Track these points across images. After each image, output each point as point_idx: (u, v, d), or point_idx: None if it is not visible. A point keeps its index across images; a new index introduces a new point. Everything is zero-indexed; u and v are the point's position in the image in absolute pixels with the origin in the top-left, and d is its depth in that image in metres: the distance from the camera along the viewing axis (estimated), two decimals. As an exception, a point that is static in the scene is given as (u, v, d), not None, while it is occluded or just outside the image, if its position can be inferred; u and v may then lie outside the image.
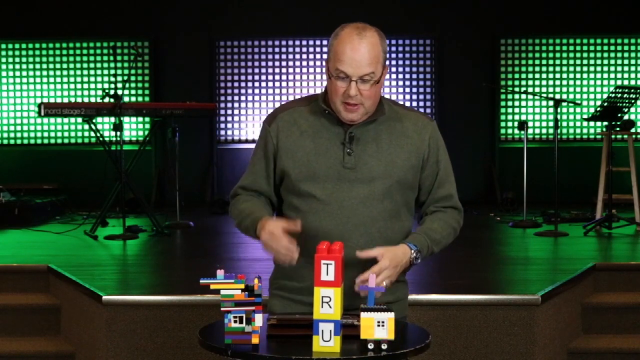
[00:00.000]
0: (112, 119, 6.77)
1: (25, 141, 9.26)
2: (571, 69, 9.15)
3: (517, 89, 9.14)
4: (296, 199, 2.45)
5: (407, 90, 9.24)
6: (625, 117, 6.81)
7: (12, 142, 9.25)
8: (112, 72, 8.32)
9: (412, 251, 2.39)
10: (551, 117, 8.89)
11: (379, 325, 2.07)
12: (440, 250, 2.53)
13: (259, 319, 2.12)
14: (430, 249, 2.47)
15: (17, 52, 9.18)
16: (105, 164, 6.75)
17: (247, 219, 2.44)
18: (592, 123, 9.03)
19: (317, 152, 2.43)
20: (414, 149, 2.48)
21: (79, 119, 8.11)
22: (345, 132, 2.43)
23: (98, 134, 6.80)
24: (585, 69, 9.14)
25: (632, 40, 9.09)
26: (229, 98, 9.29)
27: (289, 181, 2.46)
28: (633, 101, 6.62)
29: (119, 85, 6.79)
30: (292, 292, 2.48)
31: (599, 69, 9.14)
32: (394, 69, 9.21)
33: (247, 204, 2.49)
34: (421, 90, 9.24)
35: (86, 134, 9.15)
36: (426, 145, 2.50)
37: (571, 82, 9.15)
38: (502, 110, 9.19)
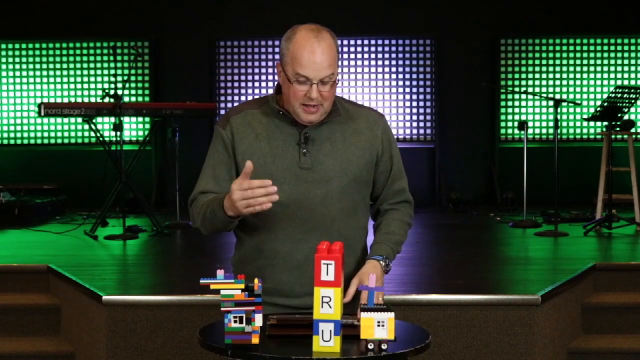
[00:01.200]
0: (112, 119, 6.77)
1: (25, 141, 9.25)
2: (571, 69, 9.15)
3: (517, 89, 9.14)
4: None
5: (407, 90, 9.23)
6: (625, 117, 6.81)
7: (12, 142, 9.25)
8: (112, 72, 8.32)
9: (380, 262, 2.46)
10: (551, 117, 8.89)
11: (379, 325, 2.07)
12: (401, 248, 2.60)
13: (259, 319, 2.12)
14: (395, 251, 2.54)
15: (17, 52, 9.17)
16: (105, 164, 6.75)
17: (211, 204, 2.37)
18: (592, 123, 9.03)
19: (273, 154, 2.43)
20: (368, 145, 2.50)
21: (79, 119, 8.10)
22: (299, 132, 2.44)
23: (98, 134, 6.80)
24: (585, 69, 9.14)
25: (632, 40, 9.09)
26: (229, 98, 9.29)
27: None
28: (633, 101, 6.62)
29: (119, 85, 6.79)
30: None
31: (599, 69, 9.14)
32: (394, 69, 9.21)
33: (206, 199, 2.44)
34: (421, 90, 9.24)
35: (86, 134, 9.15)
36: (379, 141, 2.52)
37: (571, 82, 9.15)
38: (502, 110, 9.19)
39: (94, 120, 6.81)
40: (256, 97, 9.00)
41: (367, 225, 2.59)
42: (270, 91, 9.88)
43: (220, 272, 2.15)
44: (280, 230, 2.42)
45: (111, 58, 8.72)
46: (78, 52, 9.18)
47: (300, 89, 2.36)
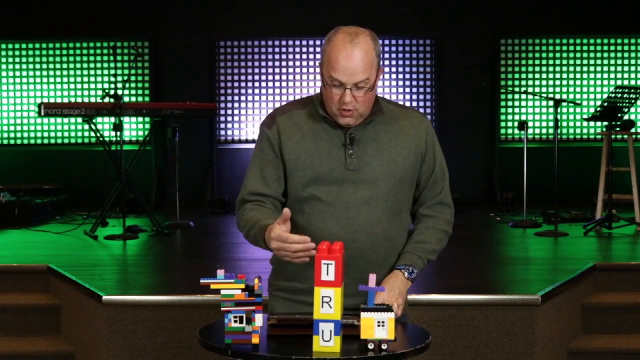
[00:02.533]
0: (112, 119, 6.77)
1: (25, 141, 9.26)
2: (571, 69, 9.15)
3: (517, 89, 9.14)
4: (300, 202, 2.44)
5: (407, 90, 9.24)
6: (625, 117, 6.81)
7: (12, 142, 9.26)
8: (112, 72, 8.33)
9: (402, 271, 2.45)
10: (551, 117, 8.89)
11: (379, 325, 2.07)
12: (436, 256, 2.57)
13: (259, 319, 2.12)
14: (424, 259, 2.51)
15: (17, 52, 9.18)
16: (105, 164, 6.75)
17: (254, 228, 2.39)
18: (592, 123, 9.03)
19: (320, 154, 2.42)
20: (413, 145, 2.48)
21: (79, 119, 8.11)
22: (345, 133, 2.43)
23: (98, 134, 6.80)
24: (585, 69, 9.14)
25: (632, 40, 9.09)
26: (229, 98, 9.29)
27: (292, 184, 2.45)
28: (633, 101, 6.62)
29: (119, 85, 6.79)
30: (295, 293, 2.47)
31: (599, 69, 9.14)
32: (394, 69, 9.22)
33: (253, 212, 2.43)
34: (421, 90, 9.24)
35: (86, 134, 9.15)
36: (423, 141, 2.51)
37: (571, 82, 9.15)
38: (502, 110, 9.19)
39: (94, 120, 6.81)
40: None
41: (410, 225, 2.57)
42: (271, 91, 9.91)
43: (220, 272, 2.14)
44: (327, 230, 2.40)
45: (111, 58, 8.72)
46: (78, 52, 9.18)
47: (335, 93, 2.35)
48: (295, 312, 2.40)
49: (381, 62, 2.45)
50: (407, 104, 9.22)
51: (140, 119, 8.89)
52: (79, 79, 9.18)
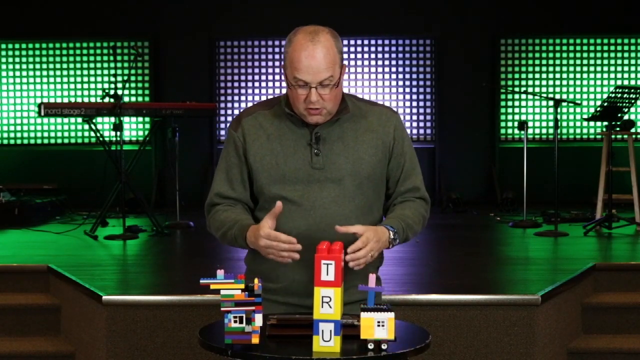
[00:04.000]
0: (112, 119, 6.77)
1: (25, 141, 9.26)
2: (571, 69, 9.15)
3: (517, 89, 9.14)
4: (267, 202, 2.45)
5: (407, 90, 9.23)
6: (625, 117, 6.81)
7: (12, 142, 9.25)
8: (112, 72, 8.33)
9: (390, 232, 2.40)
10: (551, 117, 8.89)
11: (379, 325, 2.07)
12: (412, 236, 2.52)
13: (259, 319, 2.12)
14: (405, 232, 2.46)
15: (17, 52, 9.17)
16: (105, 164, 6.76)
17: (233, 228, 2.42)
18: (592, 123, 9.03)
19: (285, 155, 2.44)
20: (380, 142, 2.49)
21: (79, 119, 8.11)
22: (310, 132, 2.45)
23: (98, 134, 6.80)
24: (585, 69, 9.14)
25: (632, 40, 9.09)
26: (229, 98, 9.29)
27: (258, 185, 2.47)
28: (633, 101, 6.62)
29: (119, 85, 6.79)
30: (267, 293, 2.46)
31: (599, 69, 9.14)
32: (394, 69, 9.21)
33: (227, 213, 2.47)
34: (421, 90, 9.24)
35: (86, 134, 9.15)
36: (391, 137, 2.51)
37: (571, 82, 9.15)
38: (502, 110, 9.19)
39: (94, 120, 6.81)
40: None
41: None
42: (271, 91, 9.91)
43: (220, 272, 2.15)
44: (294, 229, 2.41)
45: (111, 58, 8.72)
46: (78, 52, 9.18)
47: (300, 93, 2.37)
48: (268, 311, 2.40)
49: (344, 60, 2.46)
50: (407, 104, 9.23)
51: (140, 119, 8.89)
52: (79, 79, 9.18)
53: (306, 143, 2.45)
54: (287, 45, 2.38)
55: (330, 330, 2.05)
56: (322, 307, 2.06)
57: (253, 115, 2.51)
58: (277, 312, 2.39)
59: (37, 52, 9.18)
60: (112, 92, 6.62)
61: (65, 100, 9.08)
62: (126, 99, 8.32)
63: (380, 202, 2.57)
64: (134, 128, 9.11)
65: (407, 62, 9.22)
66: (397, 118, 2.55)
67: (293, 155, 2.44)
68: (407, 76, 9.23)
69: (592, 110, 8.17)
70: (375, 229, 2.36)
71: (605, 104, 6.77)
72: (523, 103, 9.16)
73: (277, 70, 9.23)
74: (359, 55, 9.19)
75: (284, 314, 2.37)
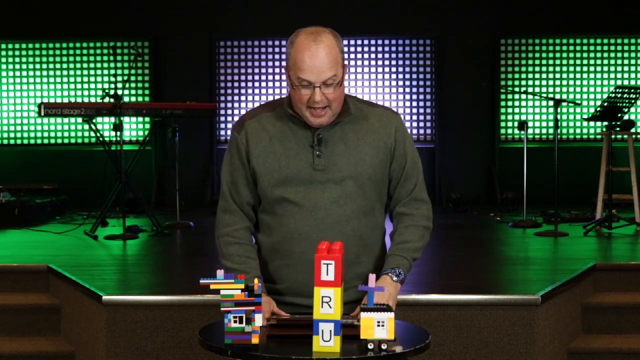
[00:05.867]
0: (112, 119, 6.77)
1: (25, 141, 9.25)
2: (571, 69, 9.15)
3: (517, 89, 9.14)
4: (270, 203, 2.48)
5: (407, 90, 9.23)
6: (625, 117, 6.81)
7: (12, 142, 9.25)
8: (112, 72, 8.33)
9: (390, 275, 2.45)
10: (551, 117, 8.89)
11: (379, 325, 2.07)
12: (420, 254, 2.57)
13: (259, 319, 2.12)
14: (410, 259, 2.51)
15: (17, 52, 9.18)
16: (105, 164, 6.75)
17: (242, 273, 2.43)
18: (592, 123, 9.03)
19: (287, 156, 2.46)
20: (382, 144, 2.51)
21: (79, 119, 8.11)
22: (312, 134, 2.46)
23: (98, 134, 6.80)
24: (585, 69, 9.14)
25: (632, 40, 9.09)
26: (229, 98, 9.29)
27: (261, 186, 2.49)
28: (633, 101, 6.62)
29: (119, 85, 6.79)
30: (271, 294, 2.49)
31: (599, 69, 9.14)
32: (394, 69, 9.21)
33: (240, 251, 2.50)
34: (421, 90, 9.24)
35: (86, 134, 9.15)
36: (392, 139, 2.52)
37: (571, 82, 9.15)
38: (502, 110, 9.19)
39: (94, 120, 6.81)
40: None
41: (384, 223, 2.60)
42: (271, 91, 9.91)
43: (220, 272, 2.15)
44: (296, 230, 2.44)
45: (111, 58, 8.72)
46: (78, 52, 9.18)
47: (304, 93, 2.38)
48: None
49: (346, 60, 2.49)
50: (407, 104, 9.23)
51: (140, 119, 8.89)
52: (79, 79, 9.18)
53: (308, 145, 2.46)
54: (290, 46, 2.39)
55: (330, 330, 2.05)
56: (322, 307, 2.06)
57: (256, 118, 2.52)
58: (289, 313, 2.40)
59: (37, 52, 9.18)
60: (112, 92, 6.62)
61: (65, 100, 9.08)
62: (126, 99, 8.32)
63: (382, 203, 2.58)
64: (134, 128, 9.10)
65: (407, 62, 9.22)
66: (398, 119, 2.56)
67: (295, 157, 2.45)
68: (407, 76, 9.23)
69: (592, 110, 8.17)
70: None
71: (605, 104, 6.77)
72: (523, 103, 9.17)
73: (277, 70, 9.23)
74: (359, 55, 9.19)
75: (290, 313, 2.38)
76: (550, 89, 9.12)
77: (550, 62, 9.14)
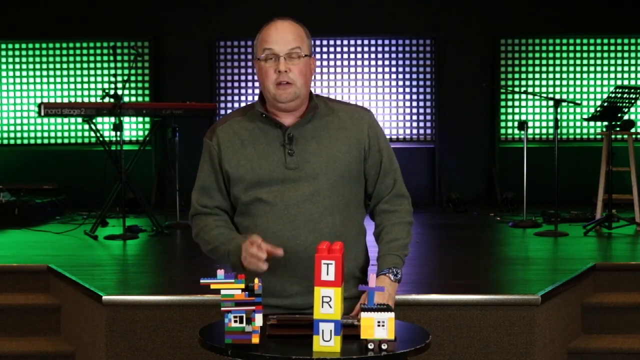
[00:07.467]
0: (112, 119, 6.77)
1: (25, 141, 9.25)
2: (571, 69, 9.15)
3: (517, 89, 9.14)
4: (245, 205, 2.49)
5: (407, 90, 9.23)
6: (625, 117, 6.81)
7: (12, 142, 9.25)
8: (112, 72, 8.33)
9: (388, 275, 2.48)
10: (551, 117, 8.89)
11: (379, 325, 2.07)
12: (408, 250, 2.59)
13: (259, 319, 2.12)
14: (402, 256, 2.53)
15: (17, 52, 9.17)
16: (105, 164, 6.75)
17: (227, 246, 2.45)
18: (592, 123, 9.03)
19: (259, 158, 2.47)
20: (354, 140, 2.51)
21: (79, 119, 8.10)
22: (283, 133, 2.47)
23: (98, 134, 6.80)
24: (585, 69, 9.14)
25: (632, 40, 9.09)
26: (229, 98, 9.29)
27: (236, 190, 2.50)
28: (633, 101, 6.62)
29: (119, 85, 6.79)
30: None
31: (599, 69, 9.14)
32: (394, 69, 9.21)
33: (220, 229, 2.51)
34: (421, 90, 9.24)
35: (86, 134, 9.15)
36: (365, 136, 2.53)
37: (571, 82, 9.15)
38: (502, 110, 9.19)
39: (94, 120, 6.80)
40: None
41: (363, 222, 2.59)
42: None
43: (220, 272, 2.15)
44: (269, 229, 2.44)
45: (111, 58, 8.72)
46: (78, 52, 9.17)
47: (270, 66, 2.43)
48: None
49: (314, 53, 2.55)
50: (407, 104, 9.23)
51: (140, 119, 8.89)
52: (79, 79, 9.18)
53: (279, 144, 2.47)
54: (258, 35, 2.50)
55: (331, 330, 2.05)
56: (322, 307, 2.06)
57: (227, 123, 2.55)
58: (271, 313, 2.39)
59: (37, 52, 9.18)
60: (112, 92, 6.62)
61: (65, 100, 9.08)
62: (126, 99, 8.32)
63: (359, 200, 2.57)
64: (134, 128, 9.10)
65: (407, 62, 9.22)
66: (370, 116, 2.57)
67: (267, 157, 2.46)
68: (407, 76, 9.23)
69: (592, 110, 8.17)
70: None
71: (605, 104, 6.77)
72: (523, 103, 9.16)
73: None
74: (359, 55, 9.19)
75: (281, 313, 2.38)
76: (550, 89, 9.12)
77: (550, 62, 9.14)
